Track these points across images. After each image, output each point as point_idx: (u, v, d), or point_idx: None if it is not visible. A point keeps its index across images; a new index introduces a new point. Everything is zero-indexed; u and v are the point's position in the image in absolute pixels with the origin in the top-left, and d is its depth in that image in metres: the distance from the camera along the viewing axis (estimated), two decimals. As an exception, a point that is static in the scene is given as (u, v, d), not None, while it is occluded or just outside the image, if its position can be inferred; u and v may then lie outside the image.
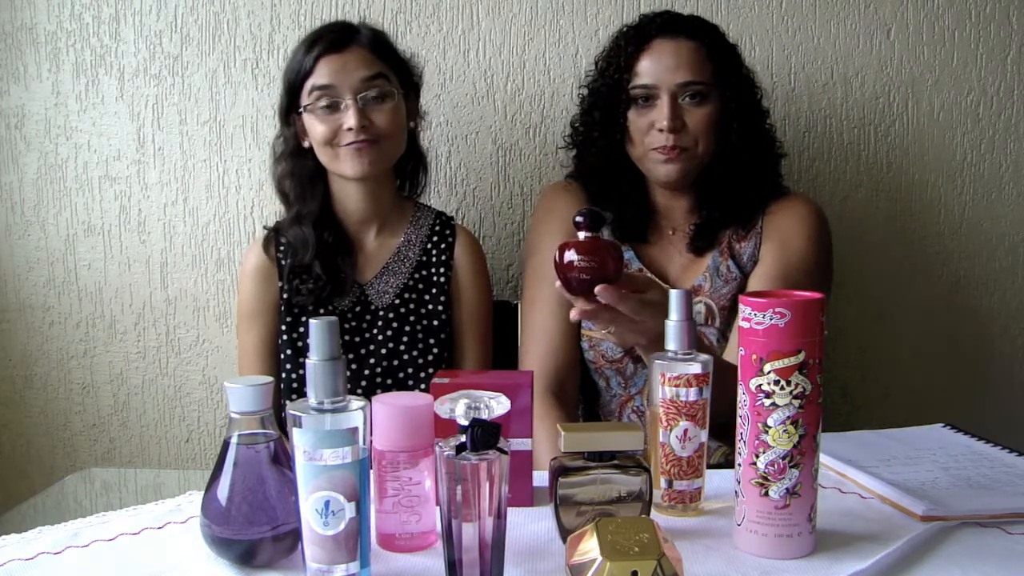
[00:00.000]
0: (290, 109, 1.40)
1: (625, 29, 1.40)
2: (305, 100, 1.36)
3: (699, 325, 1.32)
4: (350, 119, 1.34)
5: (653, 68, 1.33)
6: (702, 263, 1.38)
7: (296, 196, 1.42)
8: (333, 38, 1.38)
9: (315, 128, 1.36)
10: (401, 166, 1.47)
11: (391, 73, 1.39)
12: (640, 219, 1.41)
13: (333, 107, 1.35)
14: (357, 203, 1.44)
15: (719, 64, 1.34)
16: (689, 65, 1.32)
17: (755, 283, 1.34)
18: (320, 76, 1.35)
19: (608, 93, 1.38)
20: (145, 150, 1.67)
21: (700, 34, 1.35)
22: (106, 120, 1.67)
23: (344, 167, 1.37)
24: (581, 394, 1.46)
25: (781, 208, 1.39)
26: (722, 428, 0.96)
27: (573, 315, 1.02)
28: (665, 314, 0.97)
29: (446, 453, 0.75)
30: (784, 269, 1.33)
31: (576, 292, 1.00)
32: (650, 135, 1.33)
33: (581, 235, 0.99)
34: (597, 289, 0.98)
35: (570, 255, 0.99)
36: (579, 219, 0.99)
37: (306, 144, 1.41)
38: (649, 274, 1.36)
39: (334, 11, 1.63)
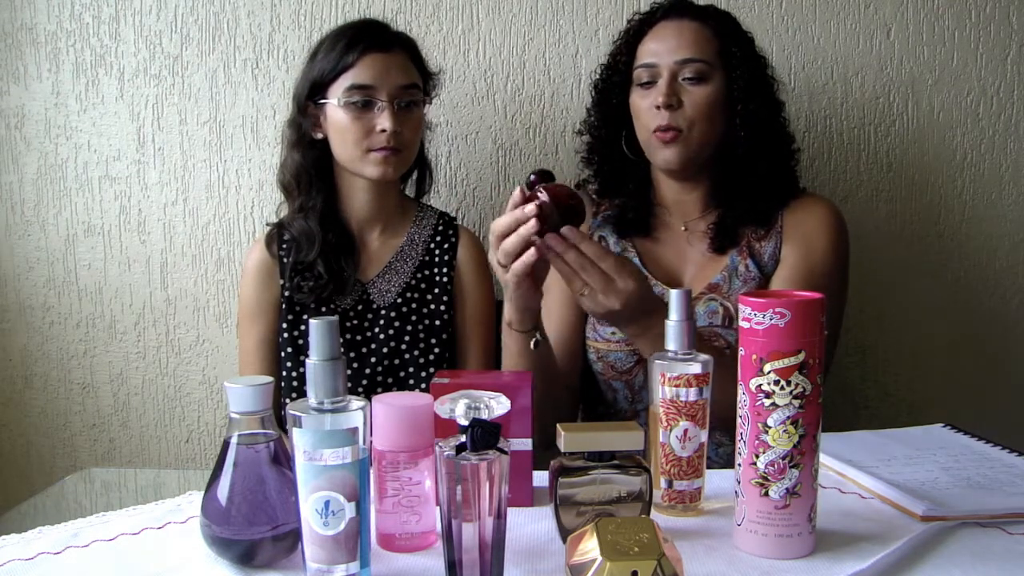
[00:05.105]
0: (310, 98, 1.39)
1: (634, 16, 1.40)
2: (338, 94, 1.35)
3: (716, 327, 1.32)
4: (385, 121, 1.34)
5: (655, 48, 1.33)
6: (720, 262, 1.35)
7: (303, 188, 1.42)
8: (377, 37, 1.38)
9: (344, 124, 1.35)
10: (407, 171, 1.49)
11: (421, 84, 1.41)
12: (643, 212, 1.40)
13: (367, 106, 1.35)
14: (363, 202, 1.44)
15: (725, 44, 1.32)
16: (691, 44, 1.31)
17: (777, 286, 1.32)
18: (362, 74, 1.34)
19: (611, 76, 1.39)
20: (145, 150, 1.67)
21: (706, 16, 1.34)
22: (106, 120, 1.67)
23: (368, 170, 1.37)
24: (583, 403, 1.45)
25: (801, 207, 1.37)
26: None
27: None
28: (642, 280, 1.05)
29: (446, 453, 0.75)
30: (807, 272, 1.31)
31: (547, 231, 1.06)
32: (649, 115, 1.32)
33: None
34: (563, 229, 1.05)
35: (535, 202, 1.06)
36: (531, 178, 1.07)
37: (318, 136, 1.41)
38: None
39: (334, 11, 1.63)
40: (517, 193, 1.07)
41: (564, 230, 1.05)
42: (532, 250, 1.05)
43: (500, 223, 1.08)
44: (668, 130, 1.30)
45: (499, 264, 1.10)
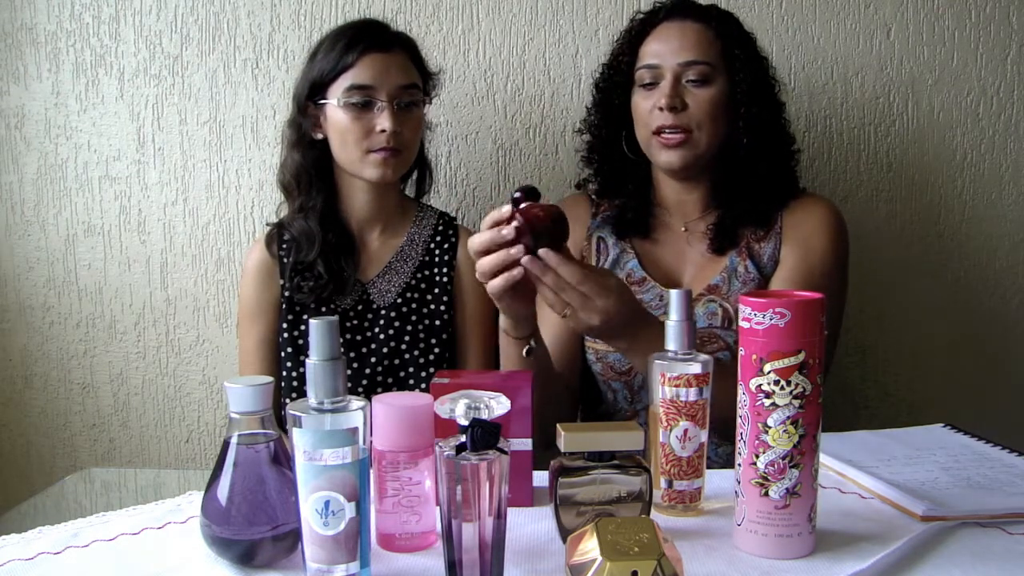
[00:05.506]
0: (310, 98, 1.39)
1: (636, 15, 1.40)
2: (338, 94, 1.35)
3: (716, 328, 1.32)
4: (385, 122, 1.34)
5: (658, 49, 1.32)
6: (719, 264, 1.35)
7: (303, 188, 1.42)
8: (377, 37, 1.37)
9: (344, 125, 1.35)
10: (407, 171, 1.49)
11: (421, 84, 1.41)
12: (643, 212, 1.40)
13: (366, 106, 1.35)
14: (363, 202, 1.44)
15: (728, 45, 1.32)
16: (694, 46, 1.30)
17: (776, 286, 1.31)
18: (361, 74, 1.34)
19: (613, 76, 1.38)
20: (145, 150, 1.67)
21: (709, 18, 1.33)
22: (106, 120, 1.67)
23: (368, 171, 1.37)
24: (583, 404, 1.45)
25: (800, 208, 1.36)
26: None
27: (524, 261, 1.04)
28: (623, 296, 1.06)
29: (446, 453, 0.75)
30: (806, 273, 1.31)
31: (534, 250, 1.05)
32: (652, 116, 1.32)
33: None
34: (541, 251, 1.03)
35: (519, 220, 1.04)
36: (516, 195, 1.05)
37: (318, 136, 1.40)
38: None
39: (334, 11, 1.63)
40: (506, 210, 1.05)
41: (541, 252, 1.03)
42: (516, 270, 1.04)
43: (477, 240, 1.06)
44: (675, 131, 1.30)
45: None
